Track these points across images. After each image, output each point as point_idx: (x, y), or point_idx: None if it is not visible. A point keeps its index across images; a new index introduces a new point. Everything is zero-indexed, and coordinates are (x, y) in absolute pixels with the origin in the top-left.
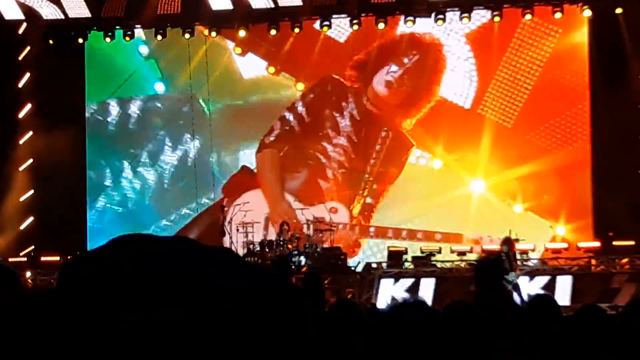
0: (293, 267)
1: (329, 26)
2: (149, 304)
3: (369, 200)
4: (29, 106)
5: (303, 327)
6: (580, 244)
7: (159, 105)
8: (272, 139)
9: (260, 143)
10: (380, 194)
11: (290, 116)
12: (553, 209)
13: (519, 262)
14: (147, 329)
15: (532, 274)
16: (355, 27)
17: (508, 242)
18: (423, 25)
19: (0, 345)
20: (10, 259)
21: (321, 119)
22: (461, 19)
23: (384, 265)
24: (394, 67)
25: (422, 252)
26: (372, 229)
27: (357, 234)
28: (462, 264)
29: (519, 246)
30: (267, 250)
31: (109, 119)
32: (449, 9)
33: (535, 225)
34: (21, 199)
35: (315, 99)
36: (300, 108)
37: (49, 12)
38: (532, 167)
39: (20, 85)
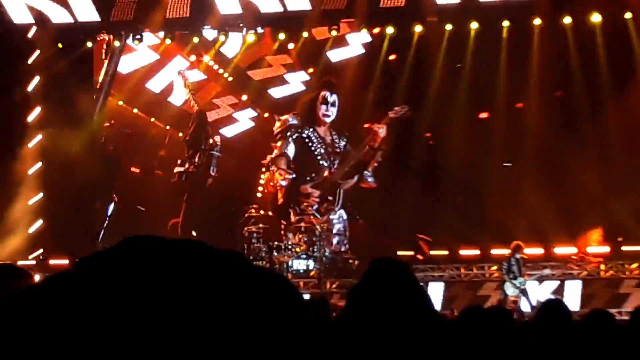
0: (301, 271)
1: (338, 30)
2: (157, 305)
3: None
4: (38, 109)
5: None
6: (590, 249)
7: None
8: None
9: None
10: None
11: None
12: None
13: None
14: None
15: (541, 279)
16: (364, 30)
17: (517, 248)
18: None
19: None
20: (19, 262)
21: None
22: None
23: None
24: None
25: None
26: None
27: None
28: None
29: (528, 251)
30: (275, 254)
31: None
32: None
33: None
34: (30, 202)
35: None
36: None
37: (58, 16)
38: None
39: (30, 88)
